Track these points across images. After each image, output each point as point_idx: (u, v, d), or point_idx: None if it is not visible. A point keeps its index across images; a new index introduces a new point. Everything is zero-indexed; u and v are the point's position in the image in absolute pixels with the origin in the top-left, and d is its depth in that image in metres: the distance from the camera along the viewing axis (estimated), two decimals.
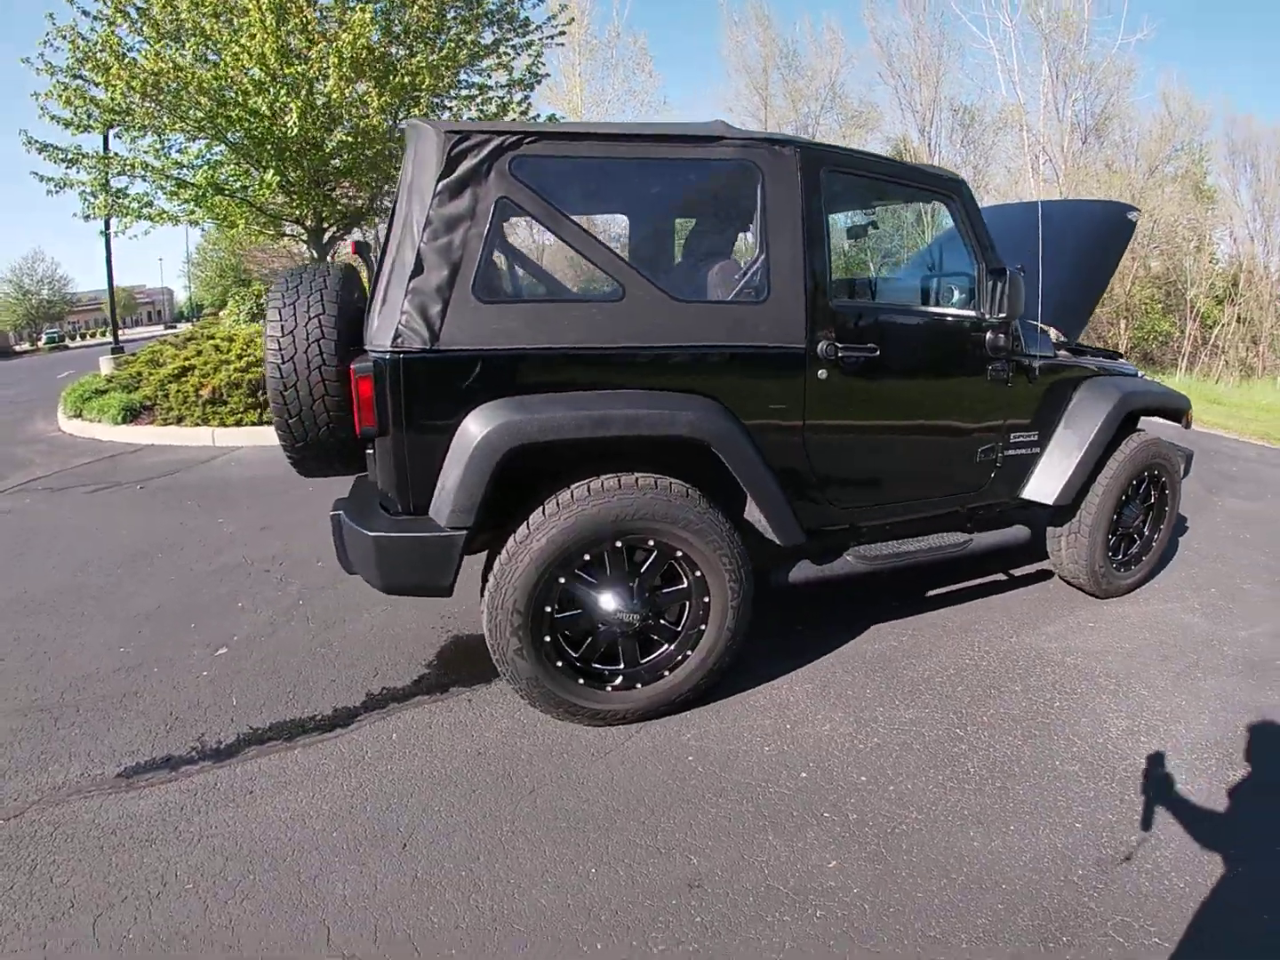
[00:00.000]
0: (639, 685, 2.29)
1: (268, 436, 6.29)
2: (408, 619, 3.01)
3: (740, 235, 2.99)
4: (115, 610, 3.18)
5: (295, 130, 7.31)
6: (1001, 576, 3.47)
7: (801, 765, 2.13)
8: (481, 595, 2.19)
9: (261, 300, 9.35)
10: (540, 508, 2.08)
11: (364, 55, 7.41)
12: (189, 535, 4.12)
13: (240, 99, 7.28)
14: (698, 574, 2.24)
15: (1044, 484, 2.92)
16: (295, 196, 8.71)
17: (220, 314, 10.26)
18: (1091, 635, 2.93)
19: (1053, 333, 3.08)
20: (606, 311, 2.14)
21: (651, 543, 2.17)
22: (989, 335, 2.64)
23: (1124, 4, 13.49)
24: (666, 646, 2.30)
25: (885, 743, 2.23)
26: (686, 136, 2.21)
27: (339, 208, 9.39)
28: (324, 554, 3.54)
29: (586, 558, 2.14)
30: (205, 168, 8.28)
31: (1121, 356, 3.29)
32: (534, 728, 2.28)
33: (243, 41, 6.99)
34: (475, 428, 2.01)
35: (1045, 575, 3.46)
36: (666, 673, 2.31)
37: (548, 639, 2.16)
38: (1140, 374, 3.29)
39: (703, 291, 2.29)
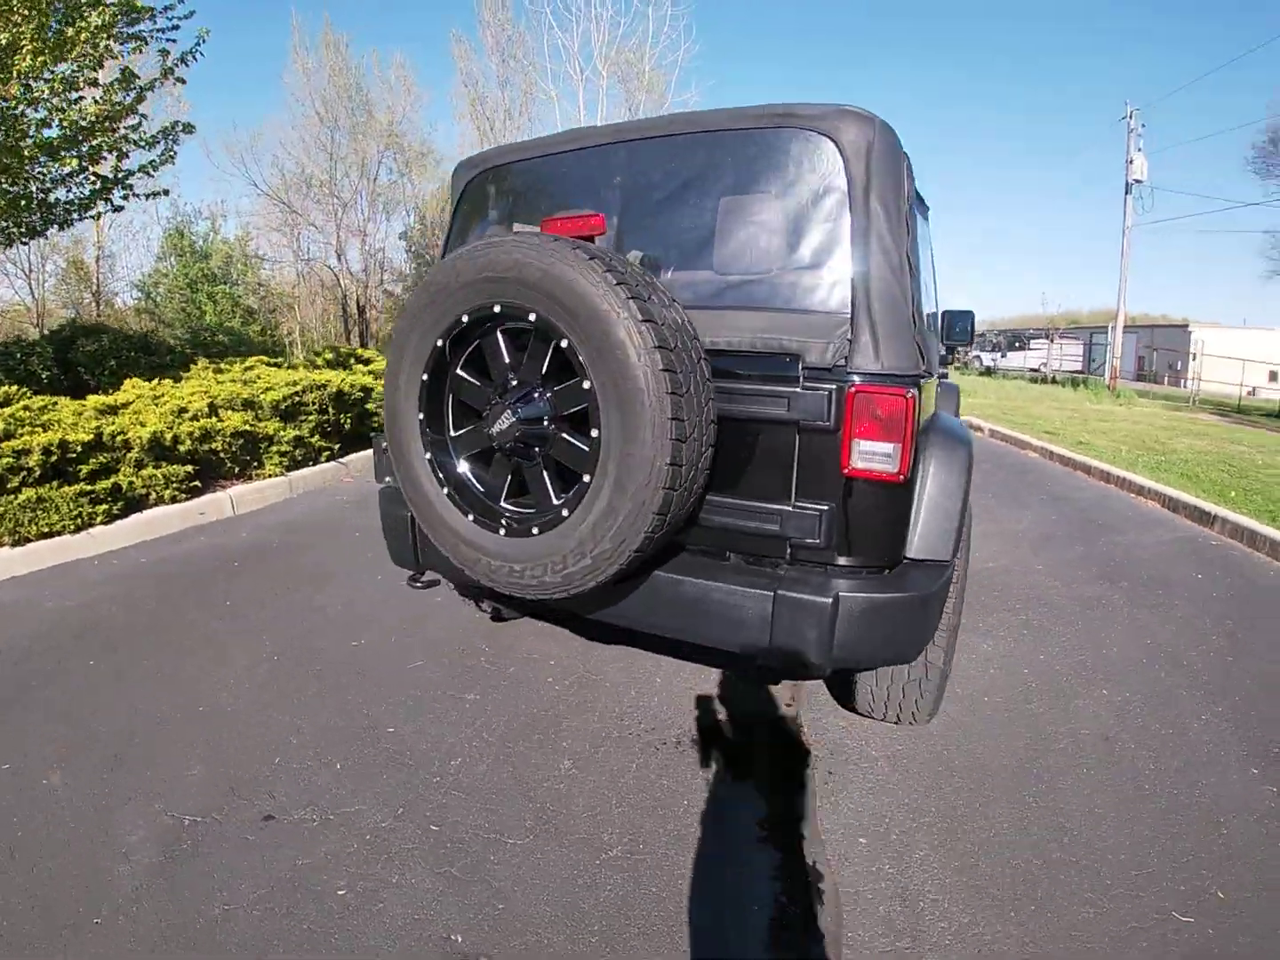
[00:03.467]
0: None
1: None
2: (611, 767, 2.29)
3: None
4: None
5: None
6: None
7: (1024, 665, 2.98)
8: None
9: None
10: None
11: None
12: None
13: None
14: None
15: None
16: None
17: None
18: (982, 543, 4.53)
19: None
20: None
21: None
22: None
23: (676, 68, 17.78)
24: None
25: (1010, 646, 3.20)
26: None
27: None
28: (306, 776, 2.21)
29: None
30: None
31: None
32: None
33: None
34: (960, 447, 2.11)
35: None
36: None
37: None
38: None
39: None
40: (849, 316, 1.83)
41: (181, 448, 4.91)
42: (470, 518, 1.91)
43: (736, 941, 1.63)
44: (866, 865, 1.86)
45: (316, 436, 6.04)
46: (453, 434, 1.99)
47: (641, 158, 2.17)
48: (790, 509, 1.88)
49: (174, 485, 4.72)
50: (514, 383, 1.82)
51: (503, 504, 1.92)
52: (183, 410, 5.15)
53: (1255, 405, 18.83)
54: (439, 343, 1.85)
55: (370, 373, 7.65)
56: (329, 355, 8.69)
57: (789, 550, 1.92)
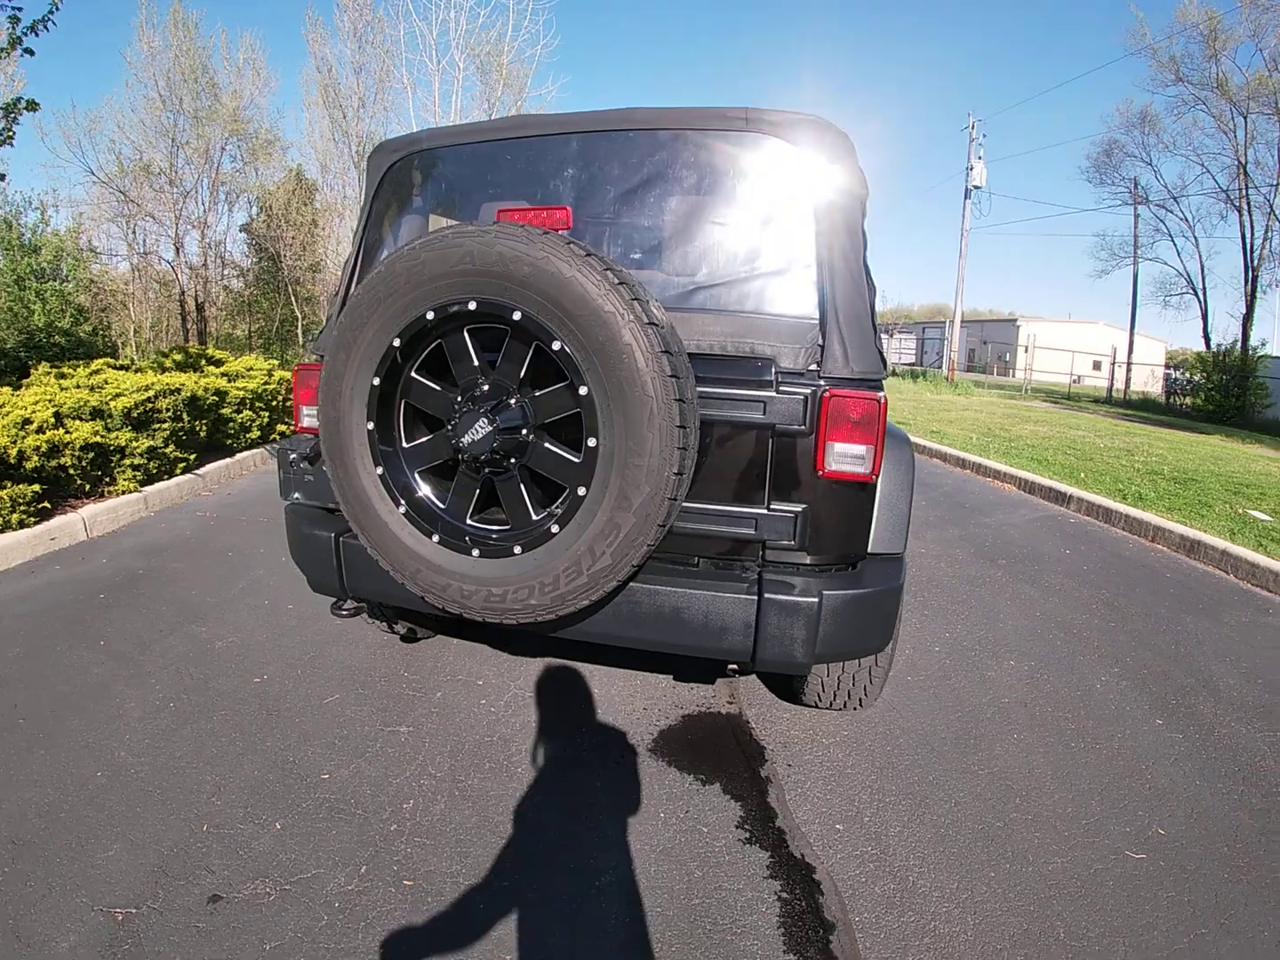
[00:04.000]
0: None
1: None
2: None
3: None
4: None
5: None
6: None
7: (935, 644, 3.22)
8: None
9: None
10: None
11: None
12: None
13: None
14: None
15: None
16: None
17: None
18: None
19: None
20: None
21: None
22: None
23: (535, 62, 17.54)
24: None
25: (917, 627, 3.47)
26: None
27: None
28: None
29: None
30: None
31: None
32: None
33: None
34: (904, 446, 2.24)
35: None
36: None
37: None
38: None
39: None
40: (818, 322, 1.89)
41: (28, 464, 4.23)
42: (435, 539, 1.78)
43: (758, 946, 1.63)
44: (850, 850, 1.94)
45: (171, 447, 5.42)
46: (409, 445, 1.85)
47: (596, 151, 2.11)
48: (765, 511, 1.91)
49: (21, 508, 4.06)
50: (485, 388, 1.72)
51: (471, 522, 1.81)
52: (27, 422, 4.42)
53: (1082, 392, 21.52)
54: (395, 342, 1.71)
55: (224, 375, 6.97)
56: (178, 356, 7.82)
57: (762, 552, 1.96)
